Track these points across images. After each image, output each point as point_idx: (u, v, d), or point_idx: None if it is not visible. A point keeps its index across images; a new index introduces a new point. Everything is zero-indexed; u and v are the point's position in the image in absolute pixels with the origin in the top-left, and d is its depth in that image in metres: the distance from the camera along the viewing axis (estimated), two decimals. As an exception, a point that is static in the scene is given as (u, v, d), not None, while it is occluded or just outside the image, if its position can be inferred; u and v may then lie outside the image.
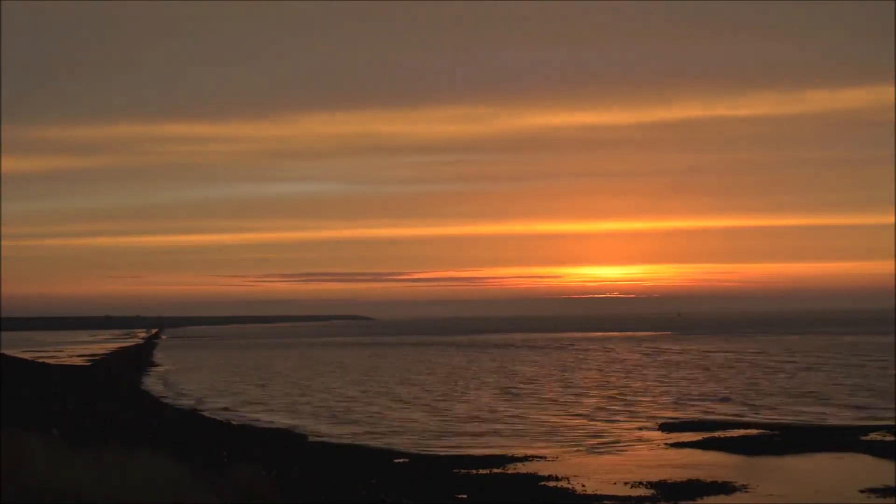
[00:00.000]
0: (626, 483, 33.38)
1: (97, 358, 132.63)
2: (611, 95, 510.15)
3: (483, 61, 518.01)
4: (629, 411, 57.88)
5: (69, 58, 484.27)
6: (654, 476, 34.61)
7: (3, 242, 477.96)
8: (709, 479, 33.57)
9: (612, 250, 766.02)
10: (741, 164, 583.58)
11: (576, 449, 42.18)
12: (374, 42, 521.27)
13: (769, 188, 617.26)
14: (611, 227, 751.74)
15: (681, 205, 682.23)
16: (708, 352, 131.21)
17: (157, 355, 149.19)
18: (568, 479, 34.27)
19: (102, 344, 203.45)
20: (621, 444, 43.66)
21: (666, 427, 49.09)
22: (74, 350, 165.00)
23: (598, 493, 31.74)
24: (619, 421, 52.85)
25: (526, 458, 39.10)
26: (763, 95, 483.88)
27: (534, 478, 34.39)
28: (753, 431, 46.20)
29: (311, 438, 46.57)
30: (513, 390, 73.74)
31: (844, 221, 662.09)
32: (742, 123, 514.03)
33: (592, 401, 64.30)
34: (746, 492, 31.36)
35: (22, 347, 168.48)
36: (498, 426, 51.13)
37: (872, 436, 43.98)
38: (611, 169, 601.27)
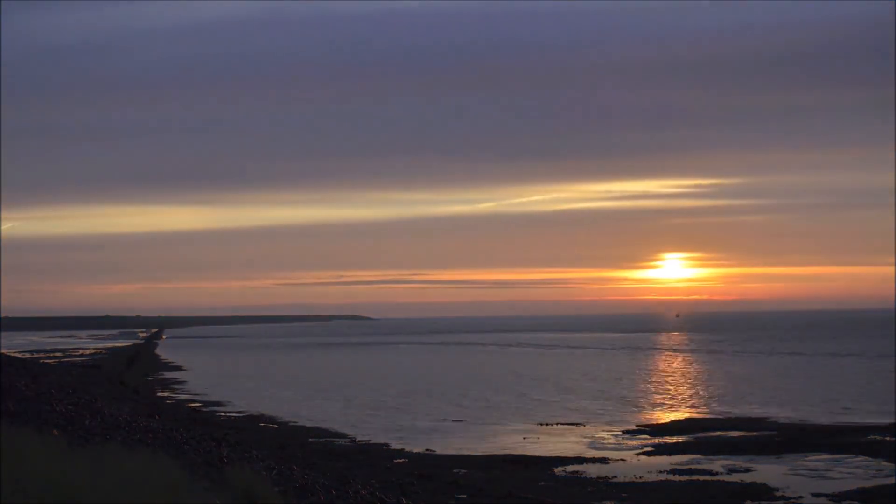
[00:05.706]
0: (626, 483, 33.41)
1: (97, 358, 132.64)
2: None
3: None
4: (630, 412, 57.97)
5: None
6: (656, 477, 34.63)
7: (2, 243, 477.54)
8: (709, 481, 33.61)
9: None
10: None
11: (576, 449, 42.18)
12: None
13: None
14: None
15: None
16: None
17: (158, 355, 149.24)
18: (569, 479, 34.30)
19: (103, 344, 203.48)
20: (622, 445, 43.69)
21: (666, 428, 49.16)
22: (74, 350, 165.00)
23: (600, 493, 31.76)
24: (619, 421, 52.90)
25: (526, 459, 39.10)
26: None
27: (534, 478, 34.40)
28: (753, 433, 46.18)
29: (311, 438, 46.62)
30: (515, 390, 73.84)
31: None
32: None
33: (592, 402, 64.35)
34: (747, 493, 31.35)
35: (22, 347, 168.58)
36: (497, 426, 51.17)
37: (872, 436, 44.00)
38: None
